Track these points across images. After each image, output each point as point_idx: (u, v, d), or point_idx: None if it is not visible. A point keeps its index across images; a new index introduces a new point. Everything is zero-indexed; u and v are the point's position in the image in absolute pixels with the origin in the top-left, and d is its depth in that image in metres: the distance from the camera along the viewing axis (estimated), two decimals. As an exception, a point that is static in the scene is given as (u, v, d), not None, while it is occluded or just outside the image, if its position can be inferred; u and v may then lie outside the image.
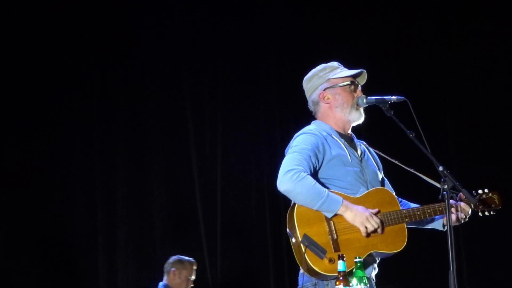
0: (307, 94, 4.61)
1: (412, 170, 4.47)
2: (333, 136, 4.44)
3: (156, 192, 8.27)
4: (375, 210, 4.24)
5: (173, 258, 7.63)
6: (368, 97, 4.49)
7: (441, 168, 4.07)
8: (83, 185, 8.12)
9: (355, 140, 4.58)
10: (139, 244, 8.21)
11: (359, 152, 4.52)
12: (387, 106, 4.36)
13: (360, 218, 4.15)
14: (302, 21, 8.61)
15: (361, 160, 4.48)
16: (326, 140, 4.38)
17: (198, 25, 8.44)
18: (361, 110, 4.50)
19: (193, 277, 7.56)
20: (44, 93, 7.92)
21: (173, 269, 7.58)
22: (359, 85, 4.57)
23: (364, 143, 4.65)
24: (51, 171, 7.92)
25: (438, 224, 4.58)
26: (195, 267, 7.59)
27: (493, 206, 4.55)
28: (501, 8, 8.53)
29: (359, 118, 4.52)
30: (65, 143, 8.08)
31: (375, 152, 4.65)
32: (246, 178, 8.49)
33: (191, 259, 7.58)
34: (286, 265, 8.10)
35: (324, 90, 4.52)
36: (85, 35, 8.11)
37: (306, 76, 4.62)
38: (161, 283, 7.62)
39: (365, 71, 4.56)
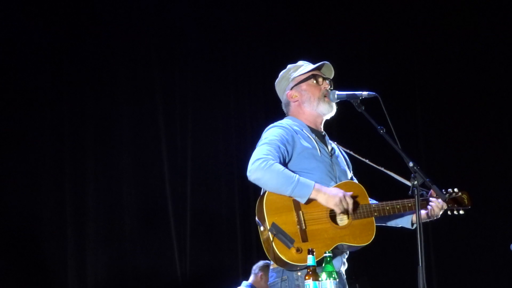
0: (279, 95, 4.71)
1: (382, 169, 4.49)
2: (304, 130, 4.47)
3: (126, 186, 8.19)
4: (350, 193, 4.24)
5: (262, 262, 7.87)
6: (339, 93, 4.50)
7: (411, 164, 4.07)
8: (52, 179, 8.05)
9: (327, 137, 4.60)
10: (108, 237, 8.10)
11: (329, 148, 4.54)
12: (358, 101, 4.37)
13: (334, 199, 4.16)
14: (274, 14, 8.62)
15: (331, 156, 4.49)
16: (296, 133, 4.40)
17: (170, 17, 8.38)
18: (332, 103, 4.52)
19: None
20: (12, 85, 7.85)
21: (260, 273, 7.87)
22: (327, 78, 4.60)
23: (335, 143, 4.66)
24: (19, 165, 7.87)
25: (407, 222, 4.60)
26: None
27: (462, 205, 4.58)
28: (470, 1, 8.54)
29: (329, 110, 4.54)
30: (34, 135, 8.00)
31: (345, 152, 4.68)
32: (216, 173, 8.46)
33: None
34: (255, 260, 8.10)
35: (291, 89, 4.60)
36: (56, 25, 8.05)
37: (277, 80, 4.69)
38: (246, 282, 7.92)
39: (328, 63, 4.58)
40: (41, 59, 7.99)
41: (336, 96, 4.51)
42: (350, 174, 4.59)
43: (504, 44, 8.67)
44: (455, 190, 4.61)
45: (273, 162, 4.17)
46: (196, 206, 8.40)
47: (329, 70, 4.63)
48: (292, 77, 4.62)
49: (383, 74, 8.33)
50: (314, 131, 4.53)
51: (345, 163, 4.61)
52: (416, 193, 4.08)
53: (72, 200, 8.04)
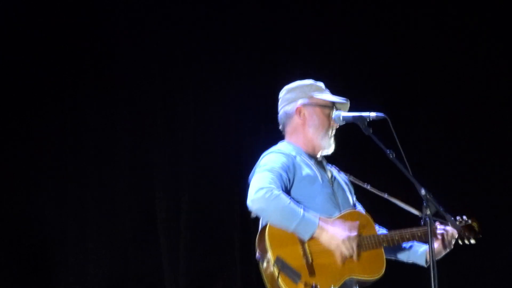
0: (282, 104, 4.42)
1: (385, 196, 4.34)
2: (302, 156, 4.28)
3: (122, 193, 7.91)
4: (354, 233, 4.06)
5: None
6: (345, 114, 4.30)
7: (423, 192, 3.89)
8: (50, 180, 7.77)
9: (325, 163, 4.41)
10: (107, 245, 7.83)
11: (329, 174, 4.36)
12: (366, 123, 4.17)
13: (336, 241, 3.99)
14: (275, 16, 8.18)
15: (332, 183, 4.32)
16: (295, 159, 4.22)
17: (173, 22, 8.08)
18: (333, 140, 4.34)
19: None
20: (15, 87, 7.61)
21: None
22: None
23: (335, 167, 4.48)
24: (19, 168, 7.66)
25: (420, 258, 4.41)
26: None
27: (473, 234, 4.41)
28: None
29: (329, 147, 4.35)
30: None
31: (347, 177, 4.49)
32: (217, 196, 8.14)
33: None
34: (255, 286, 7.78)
35: (303, 105, 4.35)
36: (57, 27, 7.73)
37: (289, 85, 4.44)
38: None
39: (349, 102, 4.36)
40: (39, 58, 7.72)
41: (341, 118, 4.30)
42: (353, 200, 4.42)
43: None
44: (464, 217, 4.44)
45: (278, 193, 3.98)
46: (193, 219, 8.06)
47: (345, 109, 4.38)
48: (311, 94, 4.36)
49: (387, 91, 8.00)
50: (311, 157, 4.33)
51: (347, 189, 4.42)
52: (428, 224, 3.90)
53: (73, 208, 7.80)
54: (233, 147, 7.91)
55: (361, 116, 4.19)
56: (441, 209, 3.94)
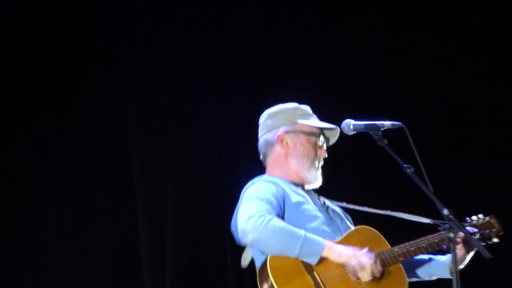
0: (262, 130, 4.08)
1: (389, 213, 4.02)
2: (288, 185, 3.93)
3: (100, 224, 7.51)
4: (364, 250, 3.70)
5: None
6: (355, 123, 3.87)
7: (446, 212, 3.53)
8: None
9: (312, 192, 4.06)
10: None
11: (321, 201, 4.03)
12: (380, 133, 3.76)
13: (348, 250, 3.67)
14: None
15: (326, 210, 3.99)
16: (282, 187, 3.88)
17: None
18: (320, 172, 4.00)
19: None
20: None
21: None
22: (326, 143, 4.07)
23: (322, 197, 4.11)
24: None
25: (443, 271, 4.03)
26: None
27: (494, 232, 4.05)
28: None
29: (315, 180, 4.01)
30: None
31: (339, 206, 4.13)
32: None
33: None
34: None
35: (286, 133, 4.00)
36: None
37: (270, 109, 4.10)
38: None
39: (338, 129, 4.00)
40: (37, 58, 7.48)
41: (352, 127, 3.86)
42: (352, 227, 4.05)
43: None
44: (480, 216, 4.07)
45: (271, 217, 3.62)
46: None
47: (334, 136, 4.06)
48: (295, 120, 4.01)
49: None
50: (298, 185, 3.98)
51: (344, 217, 4.07)
52: (452, 248, 3.56)
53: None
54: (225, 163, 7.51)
55: (374, 125, 3.79)
56: (466, 230, 3.67)
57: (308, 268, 3.62)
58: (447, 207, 3.53)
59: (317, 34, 7.59)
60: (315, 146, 3.98)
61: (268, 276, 3.59)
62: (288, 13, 7.58)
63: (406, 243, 3.85)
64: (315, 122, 4.01)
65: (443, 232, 3.63)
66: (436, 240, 3.85)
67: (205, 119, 7.47)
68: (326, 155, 4.02)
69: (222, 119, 7.40)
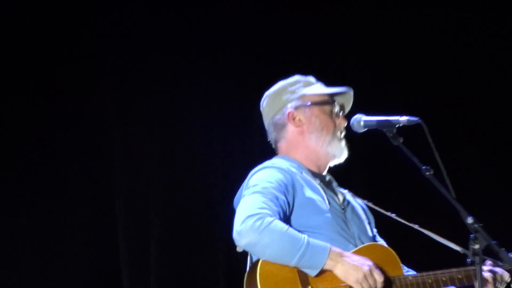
0: (268, 116, 3.74)
1: (416, 227, 3.65)
2: (303, 173, 3.57)
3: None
4: (378, 270, 3.34)
5: None
6: (367, 118, 3.55)
7: (470, 220, 3.17)
8: None
9: (335, 184, 3.71)
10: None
11: (340, 198, 3.64)
12: (394, 131, 3.43)
13: (356, 273, 3.27)
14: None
15: (344, 209, 3.61)
16: (295, 177, 3.52)
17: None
18: (344, 143, 3.66)
19: None
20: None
21: None
22: (343, 111, 3.75)
23: (348, 191, 3.78)
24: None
25: None
26: None
27: None
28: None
29: (341, 153, 3.66)
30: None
31: (365, 204, 3.80)
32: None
33: None
34: None
35: (295, 109, 3.64)
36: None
37: (269, 90, 3.76)
38: None
39: (351, 90, 3.72)
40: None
41: (362, 123, 3.53)
42: (372, 233, 3.72)
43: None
44: None
45: (272, 219, 3.24)
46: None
47: (348, 101, 3.74)
48: (301, 92, 3.64)
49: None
50: (316, 175, 3.62)
51: (364, 218, 3.71)
52: (477, 262, 3.16)
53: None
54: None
55: (388, 121, 3.45)
56: (493, 242, 3.20)
57: (304, 280, 3.27)
58: (471, 214, 3.20)
59: (317, 27, 7.56)
60: (332, 116, 3.65)
61: (256, 281, 3.26)
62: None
63: (424, 273, 3.52)
64: (323, 89, 3.69)
65: (471, 268, 3.33)
66: (459, 276, 3.51)
67: (192, 132, 7.37)
68: (345, 124, 3.67)
69: (212, 131, 7.31)
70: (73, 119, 7.35)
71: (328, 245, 3.28)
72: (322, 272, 3.26)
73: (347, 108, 3.73)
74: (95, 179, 7.22)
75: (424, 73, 7.52)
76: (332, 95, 3.67)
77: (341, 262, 3.26)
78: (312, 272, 3.24)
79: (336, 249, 3.29)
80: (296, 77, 3.71)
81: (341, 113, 3.70)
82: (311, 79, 3.73)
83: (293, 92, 3.66)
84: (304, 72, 3.78)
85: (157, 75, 7.53)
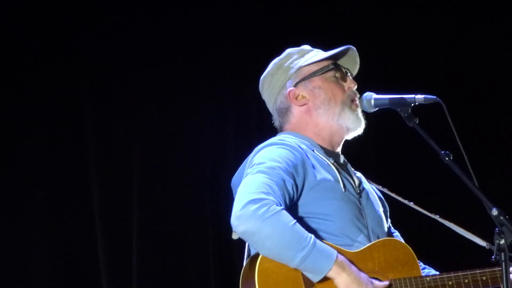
0: (270, 102, 3.47)
1: (437, 218, 3.41)
2: (316, 152, 3.27)
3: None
4: (385, 284, 3.12)
5: None
6: (377, 96, 3.29)
7: (495, 212, 2.95)
8: None
9: (349, 165, 3.42)
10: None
11: (356, 181, 3.35)
12: (409, 110, 3.17)
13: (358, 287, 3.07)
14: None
15: (359, 194, 3.32)
16: (305, 155, 3.22)
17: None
18: (359, 112, 3.35)
19: None
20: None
21: None
22: (350, 74, 3.43)
23: (361, 175, 3.50)
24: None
25: None
26: None
27: None
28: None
29: (356, 124, 3.35)
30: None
31: (379, 190, 3.54)
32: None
33: None
34: None
35: (295, 86, 3.36)
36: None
37: (263, 74, 3.48)
38: None
39: (354, 49, 3.41)
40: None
41: (373, 102, 3.27)
42: (387, 223, 3.45)
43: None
44: None
45: (279, 208, 2.96)
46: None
47: (353, 62, 3.43)
48: (297, 66, 3.34)
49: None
50: (330, 154, 3.32)
51: (380, 206, 3.42)
52: (504, 258, 2.92)
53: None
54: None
55: (402, 99, 3.19)
56: None
57: (308, 281, 3.04)
58: (496, 206, 2.96)
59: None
60: (337, 81, 3.37)
61: (255, 278, 3.03)
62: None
63: (444, 274, 3.29)
64: (320, 54, 3.39)
65: (497, 268, 3.09)
66: (484, 278, 3.29)
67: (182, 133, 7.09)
68: (356, 86, 3.39)
69: (205, 135, 7.01)
70: (48, 107, 7.19)
71: (335, 251, 3.04)
72: (324, 279, 3.04)
73: (354, 71, 3.45)
74: (70, 168, 7.02)
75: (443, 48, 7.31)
76: (332, 59, 3.38)
77: (346, 271, 3.05)
78: (314, 278, 3.01)
79: (341, 257, 3.06)
80: (288, 50, 3.44)
81: (349, 76, 3.43)
82: (306, 47, 3.46)
83: (289, 68, 3.39)
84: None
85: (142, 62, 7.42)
